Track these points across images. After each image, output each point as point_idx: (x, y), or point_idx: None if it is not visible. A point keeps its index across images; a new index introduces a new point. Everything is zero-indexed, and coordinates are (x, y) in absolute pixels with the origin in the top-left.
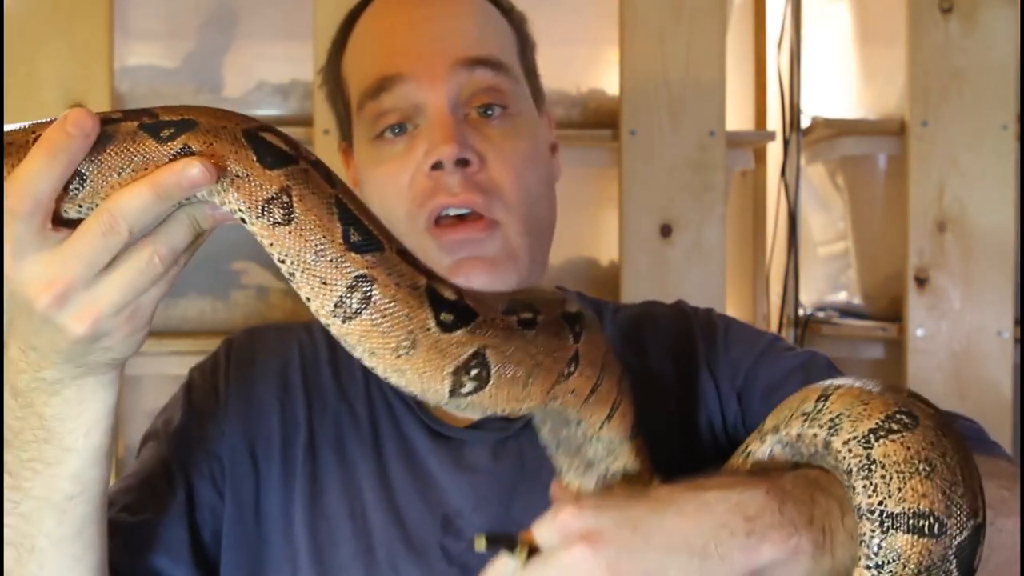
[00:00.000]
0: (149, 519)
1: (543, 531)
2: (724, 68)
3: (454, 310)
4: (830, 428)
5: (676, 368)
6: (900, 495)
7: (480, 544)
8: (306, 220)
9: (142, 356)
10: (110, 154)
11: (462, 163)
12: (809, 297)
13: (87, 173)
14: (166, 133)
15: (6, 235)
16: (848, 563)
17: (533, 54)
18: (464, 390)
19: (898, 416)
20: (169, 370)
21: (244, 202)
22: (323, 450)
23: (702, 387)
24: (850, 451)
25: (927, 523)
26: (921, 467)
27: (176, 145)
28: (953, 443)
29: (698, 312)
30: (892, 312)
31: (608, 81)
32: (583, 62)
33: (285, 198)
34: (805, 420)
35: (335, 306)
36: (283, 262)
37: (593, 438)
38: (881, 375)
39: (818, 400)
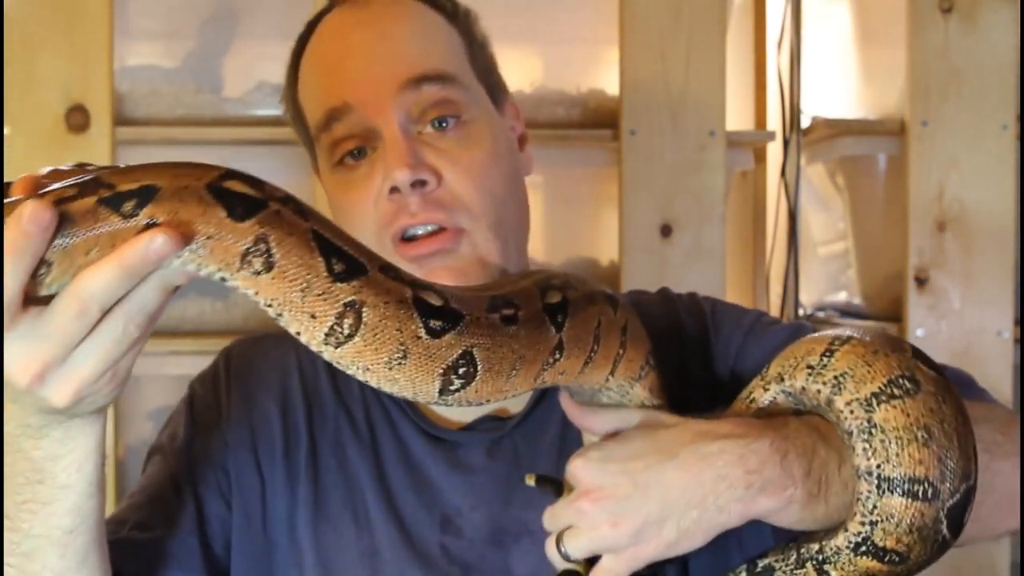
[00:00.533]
0: (161, 535)
1: (568, 478)
2: (724, 68)
3: (441, 315)
4: (834, 386)
5: (667, 354)
6: (897, 460)
7: (530, 480)
8: (287, 263)
9: (142, 356)
10: (74, 236)
11: (419, 184)
12: (809, 297)
13: (53, 259)
14: (128, 207)
15: None
16: (842, 510)
17: (485, 52)
18: (453, 387)
19: (900, 381)
20: (169, 370)
21: (221, 261)
22: (324, 455)
23: (693, 371)
24: (852, 412)
25: (922, 488)
26: (919, 434)
27: (141, 220)
28: (952, 409)
29: (682, 297)
30: (892, 312)
31: (608, 81)
32: (583, 62)
33: (262, 246)
34: (810, 374)
35: (326, 335)
36: (270, 306)
37: (601, 390)
38: None
39: (823, 355)
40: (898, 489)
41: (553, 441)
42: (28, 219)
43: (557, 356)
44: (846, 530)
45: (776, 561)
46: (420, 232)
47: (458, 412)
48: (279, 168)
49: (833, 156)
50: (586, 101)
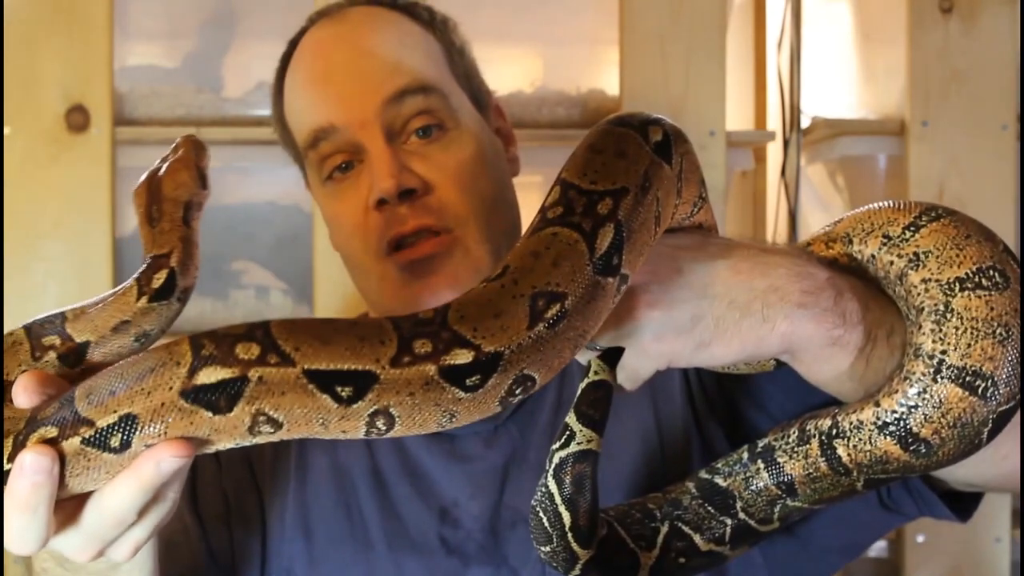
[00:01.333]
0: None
1: None
2: (724, 68)
3: (476, 369)
4: (911, 261)
5: None
6: (967, 350)
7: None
8: (293, 416)
9: None
10: (74, 478)
11: (407, 194)
12: None
13: (69, 485)
14: (115, 442)
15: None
16: (877, 380)
17: (465, 57)
18: (514, 400)
19: (991, 272)
20: None
21: (231, 440)
22: (314, 454)
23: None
24: (927, 291)
25: (984, 385)
26: (999, 330)
27: (133, 449)
28: None
29: None
30: None
31: (608, 81)
32: (583, 62)
33: (262, 417)
34: (886, 243)
35: (366, 434)
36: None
37: None
38: None
39: (907, 228)
40: (959, 379)
41: (545, 429)
42: (32, 468)
43: (622, 286)
44: (878, 405)
45: (775, 440)
46: (411, 239)
47: None
48: (279, 168)
49: (833, 156)
50: (586, 101)
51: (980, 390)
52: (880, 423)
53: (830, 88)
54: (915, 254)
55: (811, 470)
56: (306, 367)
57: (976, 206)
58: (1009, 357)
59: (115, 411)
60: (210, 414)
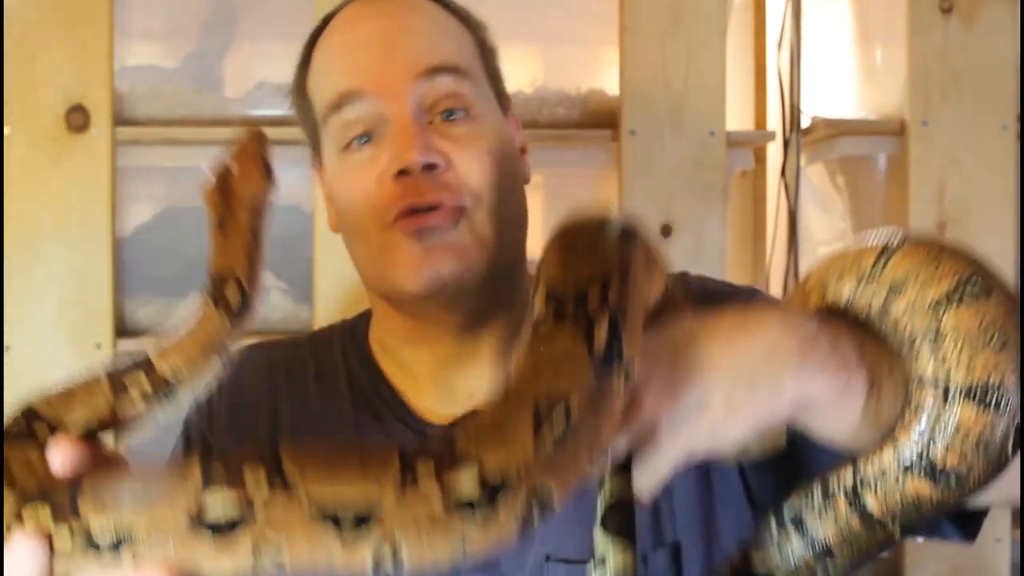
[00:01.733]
0: None
1: None
2: (724, 68)
3: (485, 495)
4: (891, 292)
5: None
6: (970, 365)
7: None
8: (301, 551)
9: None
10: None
11: (428, 168)
12: None
13: None
14: (105, 545)
15: None
16: (890, 421)
17: (495, 60)
18: (534, 523)
19: (973, 279)
20: None
21: (232, 570)
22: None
23: None
24: (914, 317)
25: (995, 397)
26: (996, 337)
27: (121, 559)
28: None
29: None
30: None
31: (608, 81)
32: (583, 62)
33: (264, 545)
34: (860, 283)
35: (373, 569)
36: None
37: None
38: None
39: (876, 262)
40: (970, 397)
41: None
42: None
43: (628, 372)
44: (896, 446)
45: (799, 503)
46: (423, 210)
47: (449, 410)
48: (279, 168)
49: (833, 156)
50: (586, 101)
51: (993, 403)
52: (903, 464)
53: (830, 88)
54: (892, 284)
55: (843, 527)
56: (314, 499)
57: (976, 206)
58: (1013, 362)
59: (113, 517)
60: (210, 537)
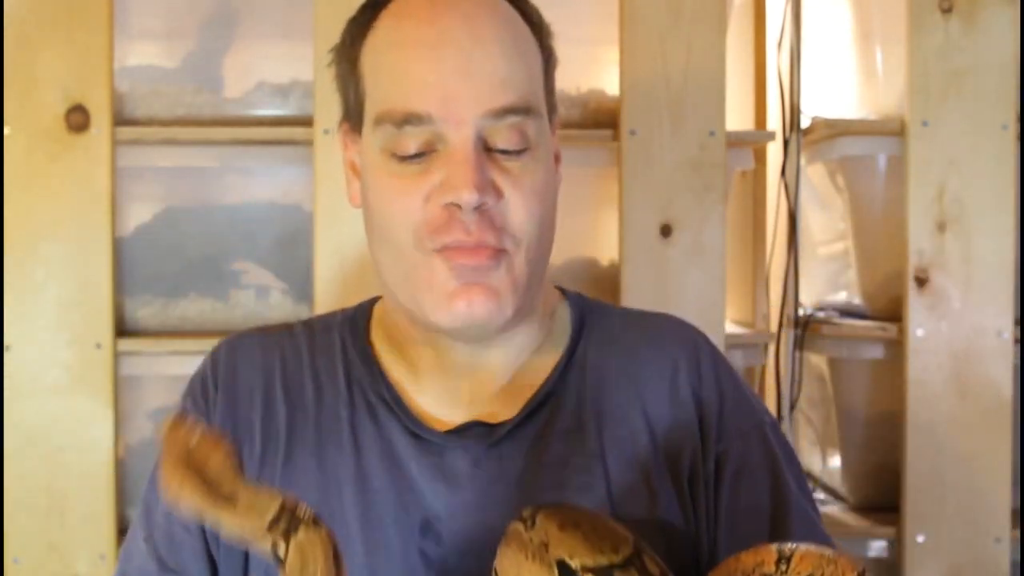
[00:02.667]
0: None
1: None
2: (724, 68)
3: None
4: None
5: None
6: None
7: None
8: None
9: (142, 356)
10: None
11: (479, 206)
12: (809, 297)
13: None
14: None
15: None
16: None
17: (554, 71)
18: None
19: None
20: (169, 370)
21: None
22: (302, 456)
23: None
24: None
25: None
26: None
27: None
28: None
29: (713, 364)
30: (892, 312)
31: (608, 81)
32: (583, 62)
33: None
34: None
35: None
36: None
37: None
38: (881, 375)
39: (779, 563)
40: None
41: (551, 461)
42: None
43: None
44: None
45: None
46: (467, 244)
47: (448, 412)
48: (279, 168)
49: (833, 156)
50: (586, 101)
51: None
52: None
53: (830, 88)
54: None
55: None
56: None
57: (976, 206)
58: None
59: None
60: None
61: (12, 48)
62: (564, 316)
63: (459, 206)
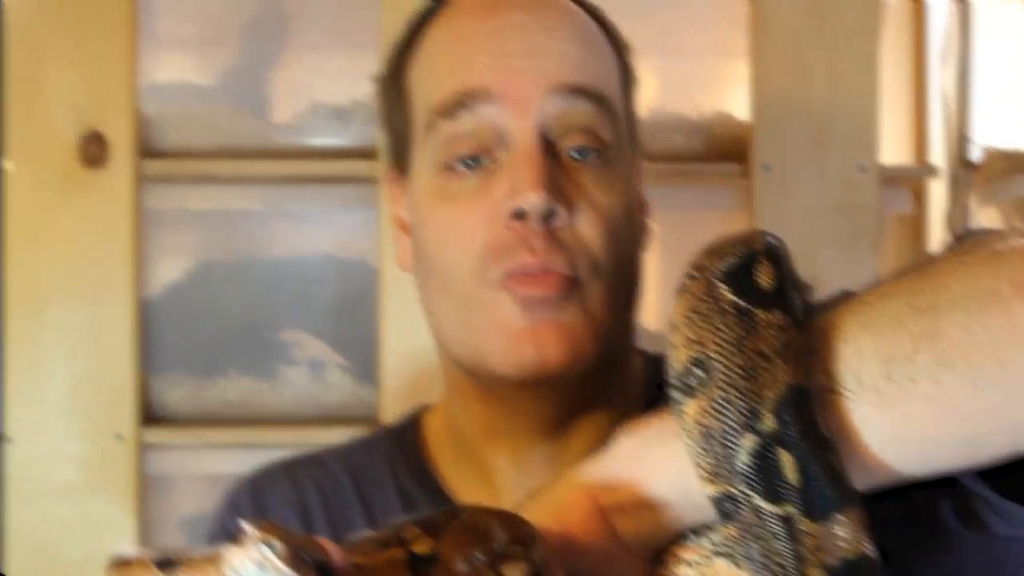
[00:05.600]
0: None
1: None
2: (876, 87)
3: None
4: None
5: None
6: None
7: None
8: None
9: (172, 450)
10: None
11: (548, 215)
12: None
13: None
14: None
15: None
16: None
17: (635, 93)
18: None
19: None
20: (204, 468)
21: None
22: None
23: None
24: None
25: None
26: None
27: None
28: None
29: None
30: None
31: (736, 103)
32: (706, 79)
33: None
34: None
35: None
36: None
37: None
38: None
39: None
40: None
41: None
42: None
43: None
44: None
45: None
46: (533, 270)
47: None
48: (339, 211)
49: (1010, 196)
50: (710, 127)
51: None
52: None
53: (1007, 112)
54: None
55: None
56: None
57: None
58: None
59: None
60: None
61: (14, 62)
62: None
63: (524, 217)
